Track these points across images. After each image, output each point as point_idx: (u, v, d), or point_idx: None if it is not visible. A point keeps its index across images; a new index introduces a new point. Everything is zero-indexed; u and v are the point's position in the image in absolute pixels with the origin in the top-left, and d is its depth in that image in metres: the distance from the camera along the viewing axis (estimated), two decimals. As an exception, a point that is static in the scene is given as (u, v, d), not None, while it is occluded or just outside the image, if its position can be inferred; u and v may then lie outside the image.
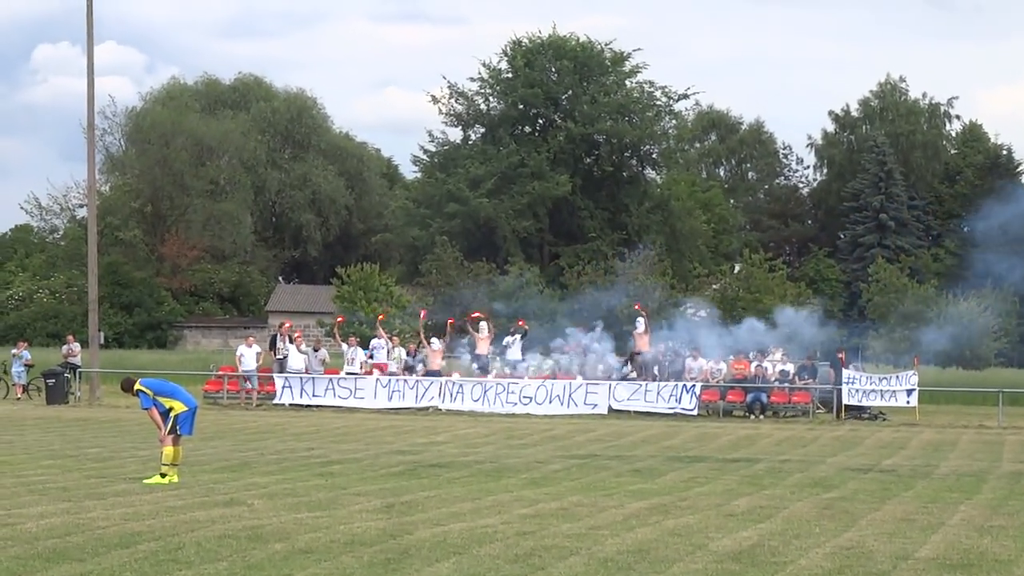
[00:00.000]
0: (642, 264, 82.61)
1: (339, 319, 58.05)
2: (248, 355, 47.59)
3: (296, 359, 47.44)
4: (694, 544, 16.55)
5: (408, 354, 48.09)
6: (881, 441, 35.20)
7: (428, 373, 46.71)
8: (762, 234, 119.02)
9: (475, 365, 47.51)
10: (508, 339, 48.52)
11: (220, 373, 49.65)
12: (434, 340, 47.81)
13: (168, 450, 22.51)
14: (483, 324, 48.52)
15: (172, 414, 22.55)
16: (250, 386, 47.23)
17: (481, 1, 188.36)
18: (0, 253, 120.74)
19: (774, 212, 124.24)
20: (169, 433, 22.52)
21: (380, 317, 53.49)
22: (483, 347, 47.82)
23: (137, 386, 22.80)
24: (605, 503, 20.68)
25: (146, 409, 22.83)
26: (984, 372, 64.90)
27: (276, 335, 49.47)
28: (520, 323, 50.32)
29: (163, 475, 22.42)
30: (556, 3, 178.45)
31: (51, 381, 48.05)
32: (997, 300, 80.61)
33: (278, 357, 47.45)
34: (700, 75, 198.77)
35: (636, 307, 51.22)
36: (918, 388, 44.30)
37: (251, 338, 51.22)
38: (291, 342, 47.94)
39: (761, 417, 44.18)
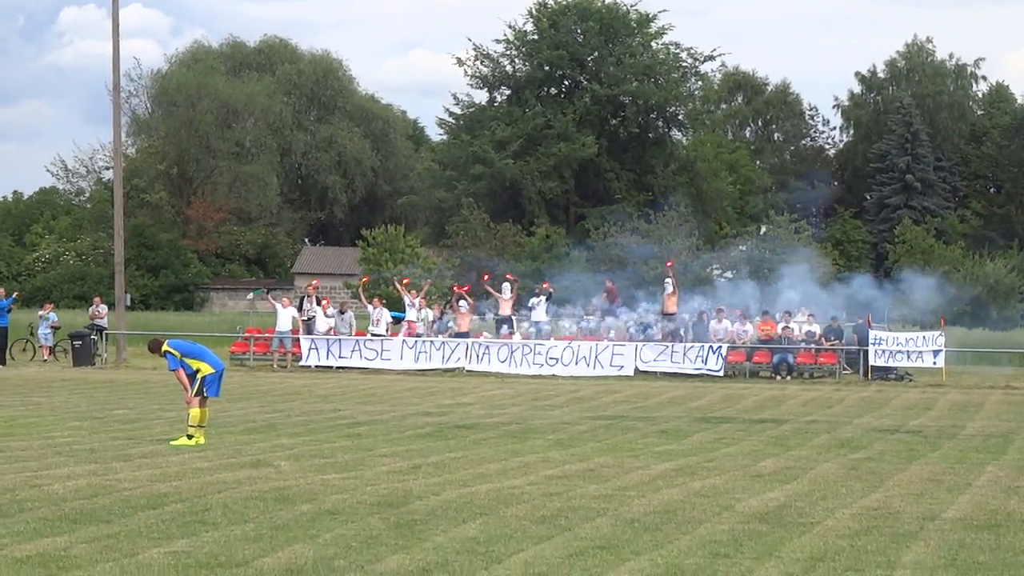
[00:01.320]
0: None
1: (364, 279, 57.91)
2: (284, 316, 47.21)
3: (322, 323, 47.39)
4: (721, 505, 16.55)
5: (434, 318, 48.02)
6: (908, 402, 35.14)
7: (456, 335, 46.71)
8: (788, 195, 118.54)
9: (498, 325, 47.61)
10: (533, 300, 48.53)
11: (247, 335, 49.69)
12: (462, 302, 47.72)
13: (195, 412, 22.58)
14: (505, 285, 48.39)
15: (199, 376, 22.61)
16: (284, 348, 47.00)
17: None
18: (27, 215, 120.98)
19: (800, 173, 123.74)
20: (196, 395, 22.59)
21: (405, 281, 53.30)
22: (505, 308, 47.81)
23: (165, 347, 22.85)
24: (631, 464, 20.69)
25: (173, 370, 22.90)
26: (1011, 332, 64.60)
27: (304, 296, 49.46)
28: (544, 285, 50.21)
29: (190, 436, 22.50)
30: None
31: (78, 343, 48.16)
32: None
33: (304, 319, 47.44)
34: (726, 37, 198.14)
35: (668, 264, 49.90)
36: (944, 349, 44.14)
37: (286, 299, 51.10)
38: (318, 304, 47.90)
39: (787, 378, 44.09)
